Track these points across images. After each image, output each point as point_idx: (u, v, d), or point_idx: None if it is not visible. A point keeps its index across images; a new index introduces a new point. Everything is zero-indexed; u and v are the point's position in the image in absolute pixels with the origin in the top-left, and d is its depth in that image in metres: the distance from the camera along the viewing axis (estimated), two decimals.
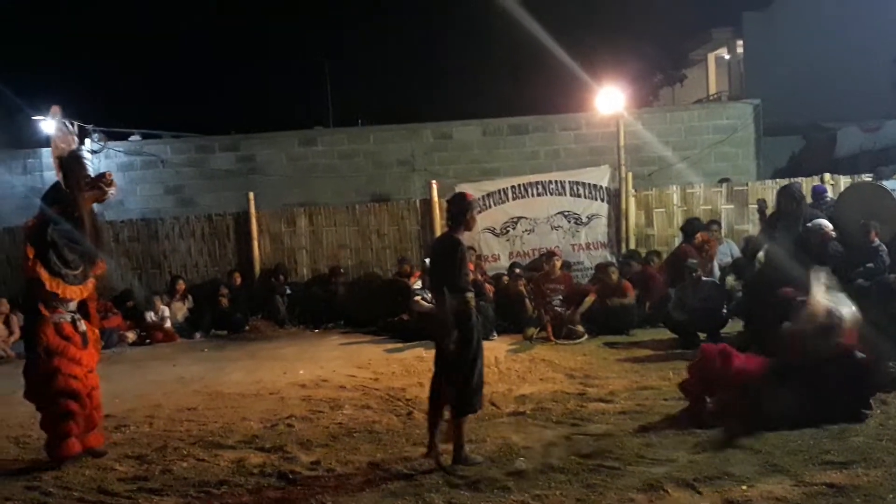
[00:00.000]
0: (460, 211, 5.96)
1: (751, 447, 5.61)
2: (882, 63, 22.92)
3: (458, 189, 14.31)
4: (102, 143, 16.78)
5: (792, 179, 13.93)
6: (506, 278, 12.74)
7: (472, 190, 14.29)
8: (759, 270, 9.96)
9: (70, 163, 6.25)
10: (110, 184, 6.38)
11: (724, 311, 10.42)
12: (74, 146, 6.48)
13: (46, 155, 16.39)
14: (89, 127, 16.53)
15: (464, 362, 5.61)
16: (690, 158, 16.22)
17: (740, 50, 27.58)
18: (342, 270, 14.21)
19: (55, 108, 6.75)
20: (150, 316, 13.06)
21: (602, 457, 5.59)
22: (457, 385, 5.62)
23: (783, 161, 19.52)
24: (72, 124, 15.69)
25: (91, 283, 6.36)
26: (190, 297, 13.89)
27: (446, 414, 5.72)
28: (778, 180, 14.35)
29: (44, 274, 5.96)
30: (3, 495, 5.43)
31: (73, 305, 6.24)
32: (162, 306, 13.24)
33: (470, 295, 5.71)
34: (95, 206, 6.48)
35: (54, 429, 6.03)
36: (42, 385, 6.02)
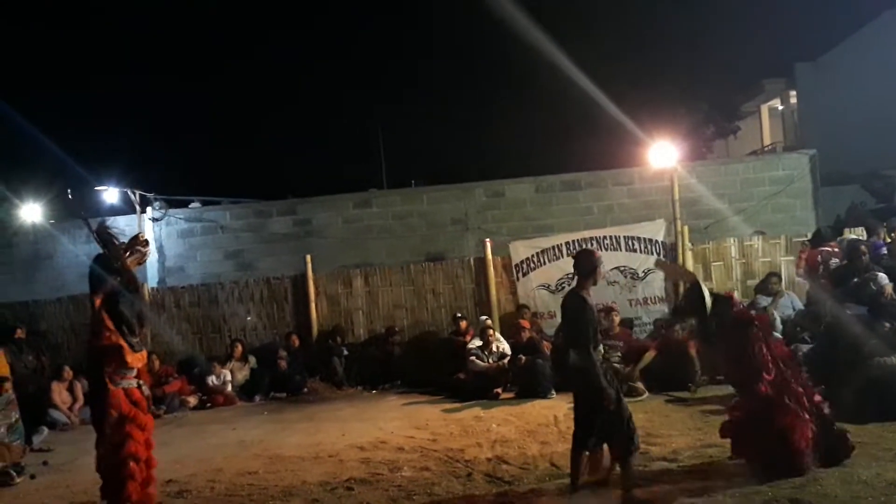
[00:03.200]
0: (589, 267, 6.26)
1: None
2: None
3: (511, 246, 14.40)
4: (163, 211, 17.20)
5: (850, 230, 13.75)
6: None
7: (526, 247, 14.38)
8: (826, 327, 9.79)
9: (103, 235, 6.46)
10: (146, 244, 6.62)
11: None
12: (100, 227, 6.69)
13: (110, 224, 16.86)
14: (150, 195, 16.99)
15: (612, 409, 5.91)
16: (747, 211, 16.06)
17: (793, 100, 27.40)
18: (397, 330, 14.24)
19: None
20: (212, 380, 13.18)
21: None
22: (614, 430, 5.95)
23: (842, 211, 19.19)
24: (134, 193, 16.24)
25: (145, 351, 6.53)
26: (252, 358, 14.00)
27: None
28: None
29: (125, 346, 6.15)
30: None
31: (135, 371, 6.37)
32: (222, 370, 13.37)
33: (595, 349, 6.04)
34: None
35: (118, 494, 6.09)
36: (113, 453, 6.10)
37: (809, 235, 13.84)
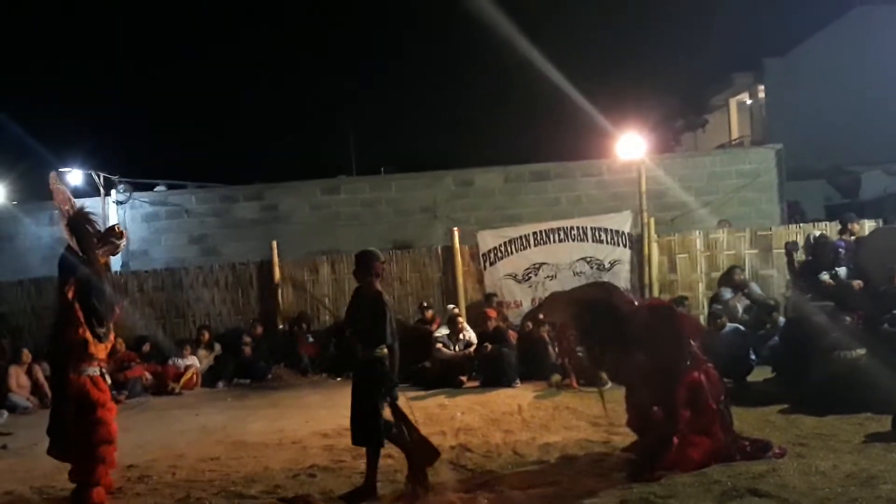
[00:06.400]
0: (370, 267, 6.92)
1: (778, 495, 5.49)
2: None
3: (479, 236, 14.41)
4: (128, 194, 16.99)
5: (816, 224, 13.92)
6: (528, 324, 12.67)
7: (494, 236, 14.38)
8: (788, 320, 9.92)
9: (80, 223, 6.35)
10: (121, 235, 6.55)
11: (752, 357, 10.31)
12: (77, 205, 6.57)
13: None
14: (115, 178, 16.77)
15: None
16: (713, 203, 16.19)
17: (762, 95, 27.63)
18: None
19: (52, 176, 6.81)
20: (177, 363, 13.07)
21: None
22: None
23: (808, 205, 19.42)
24: (98, 175, 16.02)
25: (112, 336, 6.48)
26: (217, 345, 13.90)
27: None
28: (802, 225, 14.28)
29: (90, 339, 6.14)
30: None
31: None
32: (190, 355, 13.27)
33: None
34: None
35: (89, 476, 6.13)
36: (84, 436, 6.11)
37: (773, 229, 14.04)
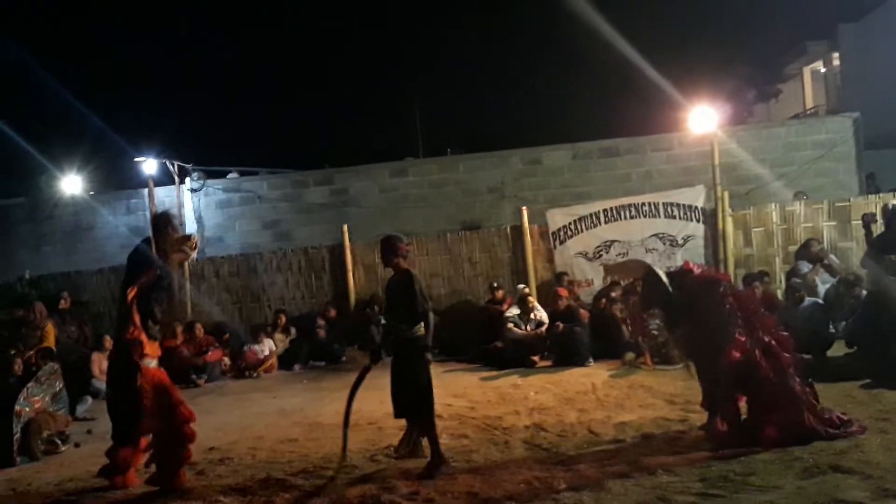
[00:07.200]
0: (392, 251, 6.89)
1: (861, 472, 5.38)
2: None
3: (548, 214, 14.32)
4: (202, 182, 17.30)
5: (895, 194, 13.49)
6: (602, 302, 12.57)
7: (564, 214, 14.28)
8: (868, 293, 9.65)
9: (164, 223, 6.55)
10: (194, 246, 6.70)
11: (831, 331, 10.07)
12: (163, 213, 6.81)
13: (148, 196, 17.04)
14: (189, 166, 17.09)
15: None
16: (789, 175, 15.79)
17: (836, 63, 26.82)
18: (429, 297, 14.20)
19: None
20: (254, 348, 13.30)
21: (706, 484, 5.44)
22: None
23: (888, 174, 18.80)
24: (173, 164, 16.37)
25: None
26: (293, 328, 14.11)
27: None
28: (882, 195, 13.84)
29: (145, 340, 6.36)
30: None
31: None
32: (267, 339, 13.50)
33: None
34: None
35: (180, 456, 6.43)
36: (169, 419, 6.40)
37: (851, 200, 13.64)
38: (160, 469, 6.42)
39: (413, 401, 6.66)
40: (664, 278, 6.87)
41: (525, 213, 14.32)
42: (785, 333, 6.67)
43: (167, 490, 6.26)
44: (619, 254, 13.92)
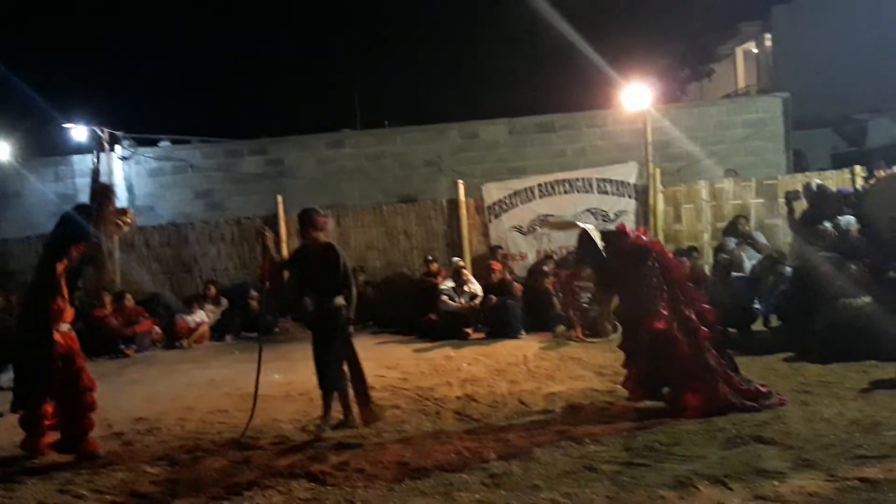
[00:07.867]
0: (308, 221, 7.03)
1: (782, 442, 5.54)
2: None
3: (484, 188, 14.39)
4: (132, 150, 16.96)
5: (821, 173, 13.85)
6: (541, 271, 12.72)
7: (499, 189, 14.36)
8: (794, 269, 9.91)
9: (104, 197, 6.44)
10: (129, 223, 6.61)
11: (756, 306, 10.33)
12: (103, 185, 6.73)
13: (77, 162, 16.63)
14: (119, 133, 16.73)
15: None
16: (719, 153, 16.10)
17: (769, 43, 27.28)
18: (362, 269, 14.13)
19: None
20: (186, 319, 13.14)
21: (631, 454, 5.56)
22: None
23: (815, 153, 19.30)
24: (102, 131, 16.00)
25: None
26: (224, 300, 13.95)
27: None
28: (808, 174, 14.21)
29: (67, 308, 6.34)
30: (36, 499, 5.49)
31: None
32: (198, 309, 13.35)
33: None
34: None
35: (81, 424, 6.36)
36: (72, 387, 6.33)
37: (779, 178, 13.97)
38: (63, 436, 6.39)
39: (328, 372, 6.80)
40: (598, 241, 6.97)
41: (461, 186, 14.38)
42: (708, 306, 6.82)
43: (80, 457, 6.24)
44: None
